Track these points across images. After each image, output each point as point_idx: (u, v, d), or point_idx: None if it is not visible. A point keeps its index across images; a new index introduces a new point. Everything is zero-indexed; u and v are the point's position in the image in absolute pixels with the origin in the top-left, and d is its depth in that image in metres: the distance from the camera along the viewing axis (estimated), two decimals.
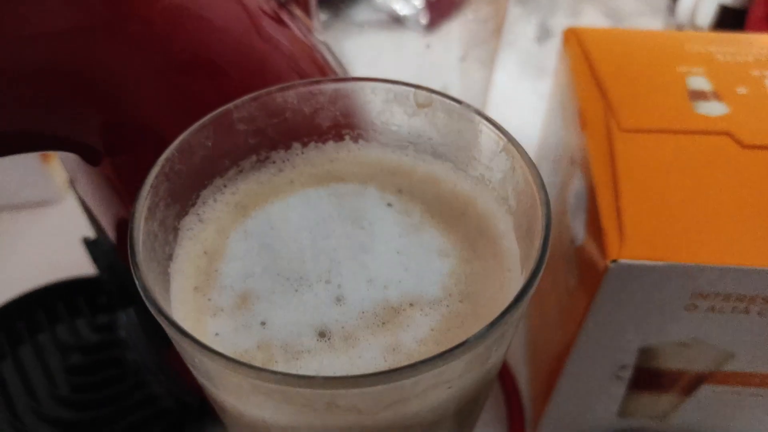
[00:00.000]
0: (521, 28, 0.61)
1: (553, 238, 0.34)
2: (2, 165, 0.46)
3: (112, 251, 0.29)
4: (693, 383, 0.30)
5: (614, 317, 0.26)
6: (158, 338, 0.34)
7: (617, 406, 0.32)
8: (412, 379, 0.13)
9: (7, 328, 0.38)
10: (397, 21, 0.54)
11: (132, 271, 0.15)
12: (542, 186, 0.16)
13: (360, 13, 0.54)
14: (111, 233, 0.27)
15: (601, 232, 0.25)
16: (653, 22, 0.62)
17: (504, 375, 0.37)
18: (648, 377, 0.29)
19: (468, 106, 0.19)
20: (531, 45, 0.60)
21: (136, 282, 0.15)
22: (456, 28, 0.50)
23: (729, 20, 0.54)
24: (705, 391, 0.30)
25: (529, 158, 0.17)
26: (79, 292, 0.40)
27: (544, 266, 0.14)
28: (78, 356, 0.37)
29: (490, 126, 0.18)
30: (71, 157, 0.24)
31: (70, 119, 0.20)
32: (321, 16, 0.44)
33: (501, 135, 0.18)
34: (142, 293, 0.14)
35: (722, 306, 0.25)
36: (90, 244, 0.31)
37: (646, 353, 0.28)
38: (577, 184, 0.29)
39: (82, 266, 0.41)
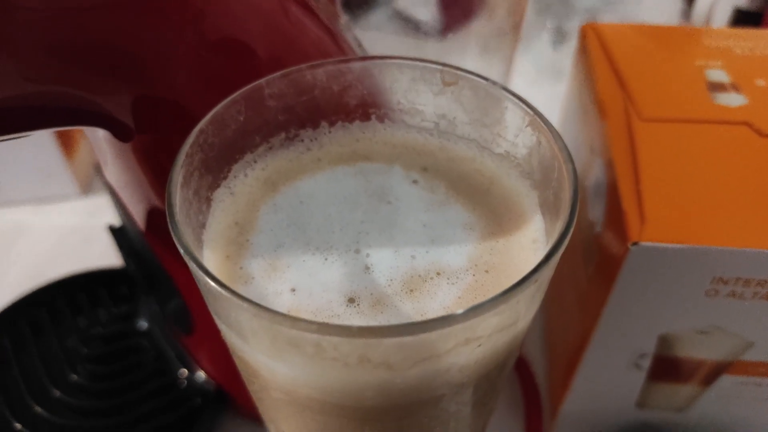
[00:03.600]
0: (537, 33, 0.62)
1: None
2: (27, 159, 0.47)
3: (138, 237, 0.29)
4: (712, 373, 0.30)
5: (634, 303, 0.27)
6: (178, 326, 0.34)
7: (636, 397, 0.32)
8: (445, 330, 0.13)
9: (30, 318, 0.38)
10: (414, 26, 0.55)
11: (171, 230, 0.15)
12: (569, 157, 0.17)
13: (378, 19, 0.55)
14: (139, 219, 0.28)
15: (622, 215, 0.25)
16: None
17: (521, 368, 0.37)
18: (667, 366, 0.29)
19: (494, 82, 0.19)
20: (547, 49, 0.61)
21: (177, 241, 0.15)
22: (472, 33, 0.51)
23: (744, 23, 0.55)
24: (725, 381, 0.30)
25: (556, 131, 0.18)
26: (100, 283, 0.41)
27: (572, 228, 0.15)
28: (98, 345, 0.37)
29: (517, 101, 0.19)
30: (102, 139, 0.25)
31: (103, 93, 0.21)
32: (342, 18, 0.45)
33: (527, 110, 0.18)
34: (182, 251, 0.15)
35: (742, 291, 0.25)
36: (115, 232, 0.32)
37: (665, 341, 0.28)
38: (596, 172, 0.29)
39: (103, 258, 0.42)
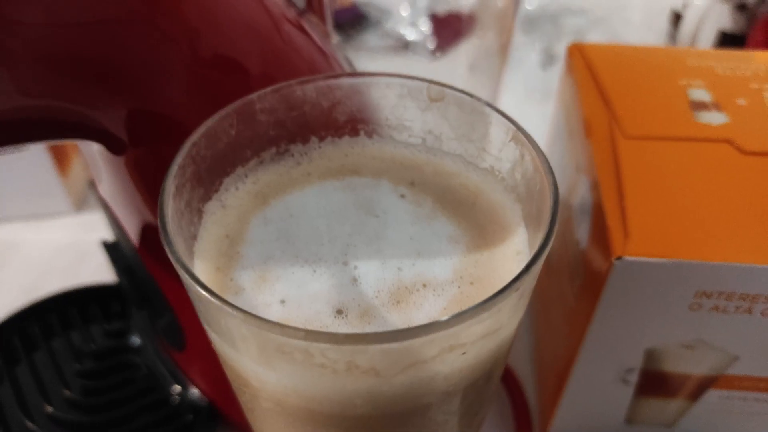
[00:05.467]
0: (526, 55, 0.63)
1: (557, 247, 0.34)
2: (21, 177, 0.48)
3: (131, 253, 0.30)
4: (699, 388, 0.30)
5: (619, 318, 0.27)
6: (170, 342, 0.34)
7: (625, 413, 0.32)
8: (430, 336, 0.14)
9: (23, 334, 0.38)
10: (405, 46, 0.56)
11: (163, 240, 0.16)
12: (550, 170, 0.17)
13: (370, 39, 0.56)
14: (132, 234, 0.28)
15: (606, 231, 0.25)
16: None
17: (511, 385, 0.37)
18: (654, 381, 0.30)
19: (478, 98, 0.20)
20: (536, 70, 0.62)
21: (168, 250, 0.15)
22: (462, 54, 0.52)
23: (728, 46, 0.56)
24: (711, 396, 0.30)
25: (537, 145, 0.18)
26: (92, 299, 0.41)
27: (553, 236, 0.15)
28: (90, 361, 0.37)
29: (500, 116, 0.19)
30: (96, 153, 0.25)
31: (97, 107, 0.21)
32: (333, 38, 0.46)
33: (510, 124, 0.19)
34: (174, 261, 0.15)
35: (725, 305, 0.26)
36: (109, 247, 0.32)
37: (651, 356, 0.28)
38: (582, 190, 0.30)
39: (96, 274, 0.42)
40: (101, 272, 0.42)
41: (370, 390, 0.15)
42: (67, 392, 0.36)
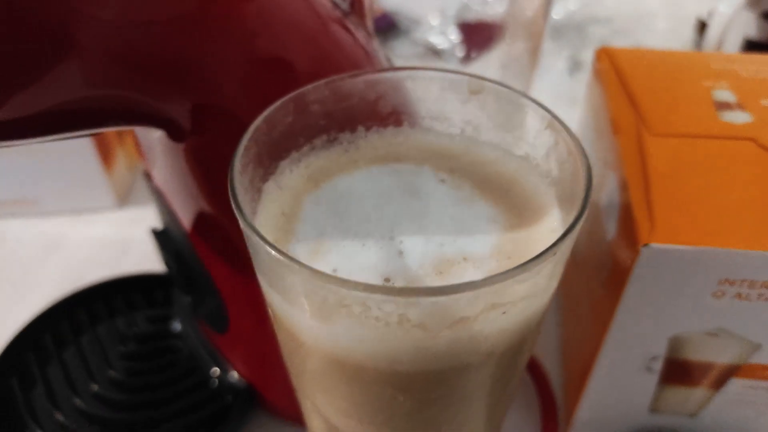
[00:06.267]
0: (553, 62, 0.65)
1: (584, 242, 0.36)
2: (66, 172, 0.50)
3: (181, 239, 0.32)
4: (722, 376, 0.31)
5: (644, 306, 0.28)
6: (212, 326, 0.36)
7: (649, 401, 0.33)
8: (474, 292, 0.15)
9: (71, 319, 0.40)
10: (435, 54, 0.58)
11: (234, 209, 0.17)
12: (583, 153, 0.19)
13: (400, 47, 0.58)
14: (184, 220, 0.30)
15: (633, 221, 0.27)
16: None
17: (537, 375, 0.38)
18: (678, 369, 0.31)
19: (516, 90, 0.21)
20: (563, 77, 0.63)
21: (241, 220, 0.17)
22: (491, 61, 0.54)
23: (754, 53, 0.57)
24: (734, 385, 0.31)
25: (571, 131, 0.20)
26: (136, 287, 0.43)
27: (588, 207, 0.17)
28: (134, 344, 0.39)
29: (536, 106, 0.21)
30: (155, 140, 0.27)
31: (163, 99, 0.23)
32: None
33: (546, 113, 0.21)
34: (244, 225, 0.17)
35: (748, 293, 0.27)
36: (159, 234, 0.34)
37: (675, 343, 0.30)
38: (610, 185, 0.31)
39: (138, 267, 0.44)
40: (143, 265, 0.45)
41: (417, 345, 0.17)
42: (112, 372, 0.38)
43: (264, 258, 0.17)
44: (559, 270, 0.18)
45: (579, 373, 0.34)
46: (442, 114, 0.24)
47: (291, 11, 0.25)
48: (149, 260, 0.46)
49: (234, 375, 0.37)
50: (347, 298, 0.16)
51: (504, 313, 0.17)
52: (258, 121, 0.20)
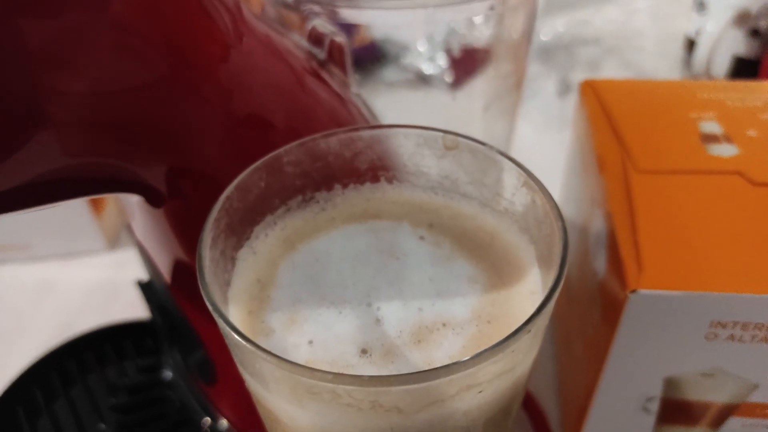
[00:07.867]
0: (543, 84, 0.64)
1: (576, 276, 0.35)
2: (56, 216, 0.50)
3: (164, 291, 0.31)
4: (720, 415, 0.30)
5: (637, 348, 0.28)
6: (201, 376, 0.36)
7: None
8: (447, 378, 0.15)
9: (60, 370, 0.40)
10: (423, 80, 0.58)
11: (201, 289, 0.17)
12: (559, 215, 0.18)
13: (389, 74, 0.58)
14: (166, 274, 0.30)
15: (621, 264, 0.26)
16: (670, 74, 0.64)
17: (534, 414, 0.37)
18: (675, 409, 0.30)
19: (491, 147, 0.21)
20: (553, 99, 0.63)
21: (206, 299, 0.17)
22: (479, 85, 0.54)
23: (744, 71, 0.56)
24: (734, 424, 0.30)
25: (547, 191, 0.19)
26: (126, 335, 0.42)
27: (562, 281, 0.16)
28: (125, 395, 0.39)
29: (511, 164, 0.20)
30: (135, 204, 0.27)
31: (140, 164, 0.23)
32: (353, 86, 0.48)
33: (521, 171, 0.20)
34: (211, 308, 0.17)
35: (741, 335, 0.26)
36: (143, 286, 0.34)
37: (671, 384, 0.29)
38: (597, 223, 0.31)
39: (129, 311, 0.44)
40: (134, 309, 0.44)
41: (393, 427, 0.16)
42: (102, 426, 0.37)
43: (232, 341, 0.16)
44: (537, 341, 0.18)
45: (576, 413, 0.34)
46: (419, 169, 0.23)
47: (266, 68, 0.24)
48: (139, 305, 0.45)
49: (224, 423, 0.36)
50: (316, 387, 0.15)
51: (480, 391, 0.16)
52: (229, 190, 0.20)
